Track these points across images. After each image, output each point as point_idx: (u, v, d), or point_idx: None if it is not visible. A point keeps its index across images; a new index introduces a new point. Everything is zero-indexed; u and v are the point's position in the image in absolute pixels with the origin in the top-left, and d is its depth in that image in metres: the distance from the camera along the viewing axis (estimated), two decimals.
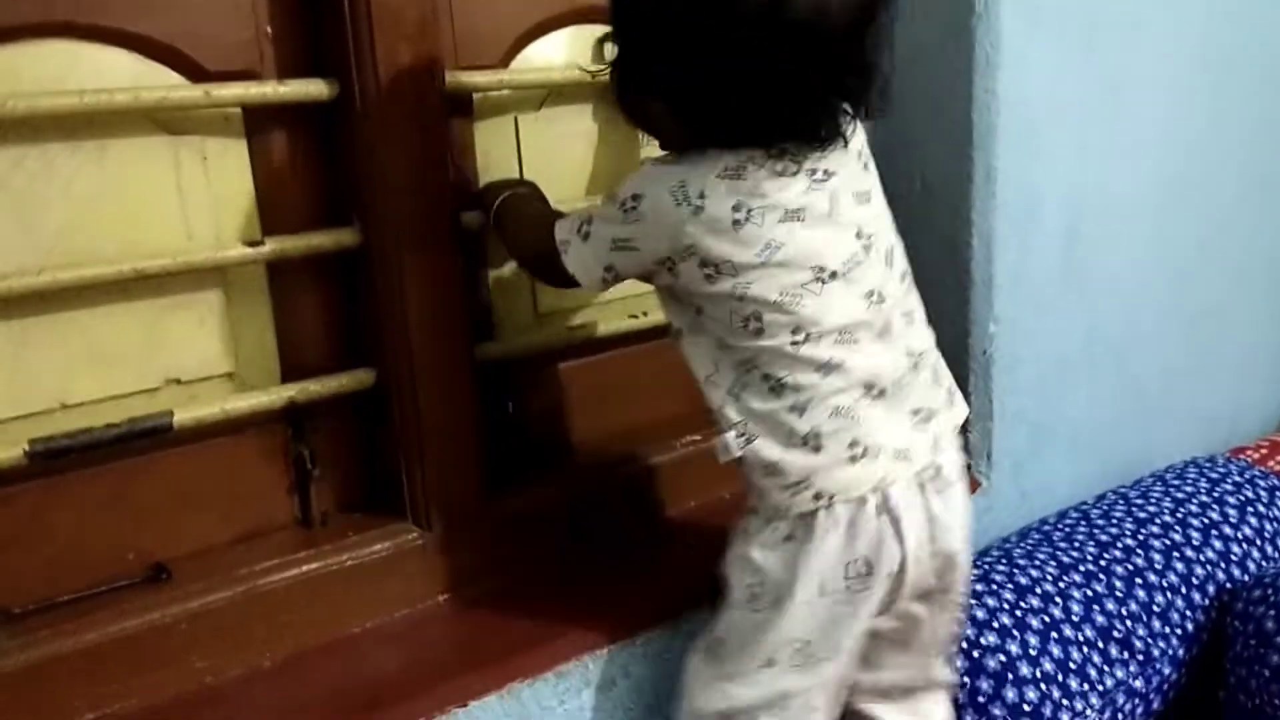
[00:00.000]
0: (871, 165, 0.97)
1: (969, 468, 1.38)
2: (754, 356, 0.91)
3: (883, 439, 0.92)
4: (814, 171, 0.89)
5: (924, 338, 0.99)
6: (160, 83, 0.95)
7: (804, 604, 0.93)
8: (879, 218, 0.96)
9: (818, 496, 0.91)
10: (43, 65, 0.90)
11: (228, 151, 0.99)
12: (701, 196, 0.86)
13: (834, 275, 0.90)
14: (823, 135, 0.88)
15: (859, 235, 0.92)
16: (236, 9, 0.97)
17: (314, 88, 1.00)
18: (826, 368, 0.91)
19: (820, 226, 0.89)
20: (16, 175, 0.90)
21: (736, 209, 0.86)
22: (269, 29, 0.99)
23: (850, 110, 0.90)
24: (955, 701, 1.13)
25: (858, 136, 0.95)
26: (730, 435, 0.94)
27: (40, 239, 0.91)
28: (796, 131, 0.87)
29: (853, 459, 0.91)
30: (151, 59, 0.95)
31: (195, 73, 0.96)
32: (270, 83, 0.98)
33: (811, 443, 0.91)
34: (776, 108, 0.85)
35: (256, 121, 1.00)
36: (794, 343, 0.90)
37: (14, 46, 0.89)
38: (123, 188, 0.94)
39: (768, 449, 0.92)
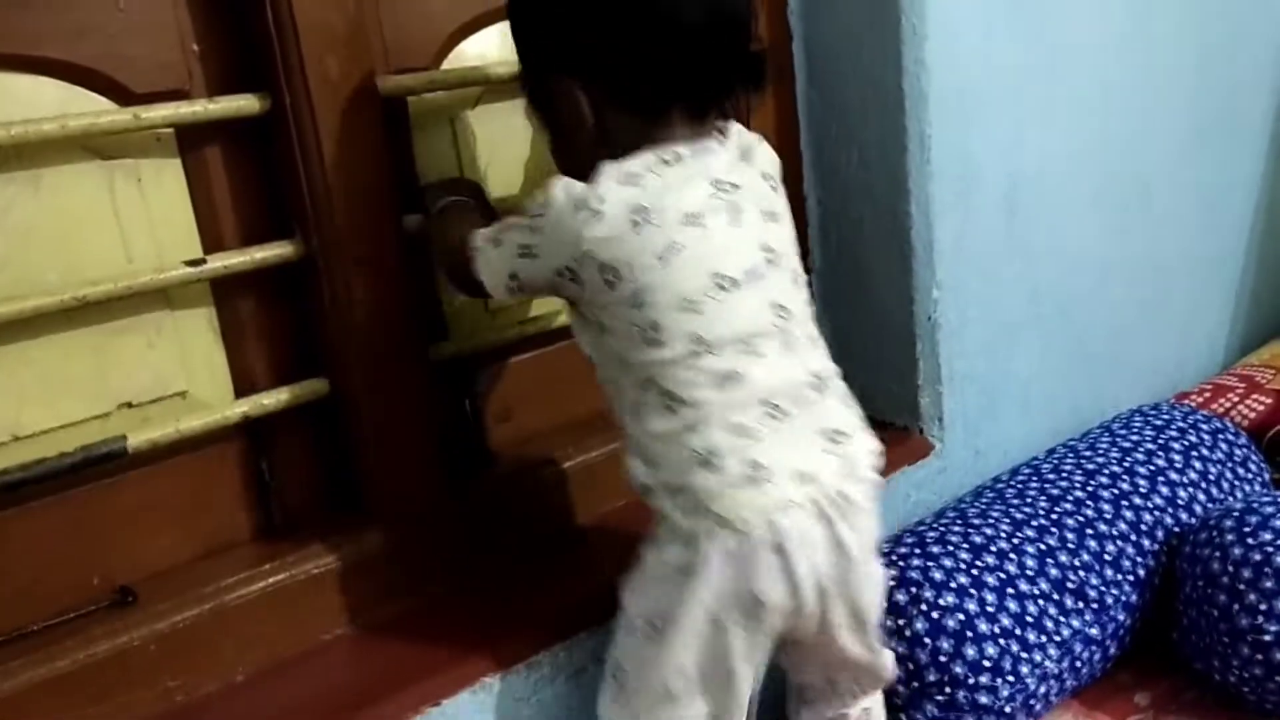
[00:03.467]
0: (781, 190, 0.99)
1: (920, 433, 1.42)
2: (653, 374, 0.90)
3: (783, 459, 0.89)
4: (718, 182, 0.91)
5: (828, 363, 0.98)
6: (87, 108, 0.94)
7: (693, 635, 0.90)
8: (787, 238, 0.97)
9: (719, 521, 0.88)
10: None
11: (163, 172, 0.99)
12: (601, 201, 0.87)
13: (735, 283, 0.90)
14: (717, 99, 0.93)
15: (765, 249, 0.93)
16: (160, 28, 0.97)
17: (245, 103, 0.99)
18: (726, 380, 0.89)
19: (722, 234, 0.90)
20: None
21: (636, 211, 0.87)
22: (195, 47, 0.99)
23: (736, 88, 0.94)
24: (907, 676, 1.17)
25: (765, 156, 0.98)
26: (636, 460, 0.93)
27: None
28: (702, 86, 0.91)
29: (751, 479, 0.88)
30: (76, 84, 0.94)
31: (123, 95, 0.96)
32: (200, 101, 0.98)
33: (711, 462, 0.88)
34: (684, 60, 0.89)
35: (190, 140, 1.00)
36: (693, 353, 0.88)
37: None
38: (59, 216, 0.94)
39: (669, 472, 0.90)
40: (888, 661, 1.06)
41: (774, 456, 0.89)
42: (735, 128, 0.96)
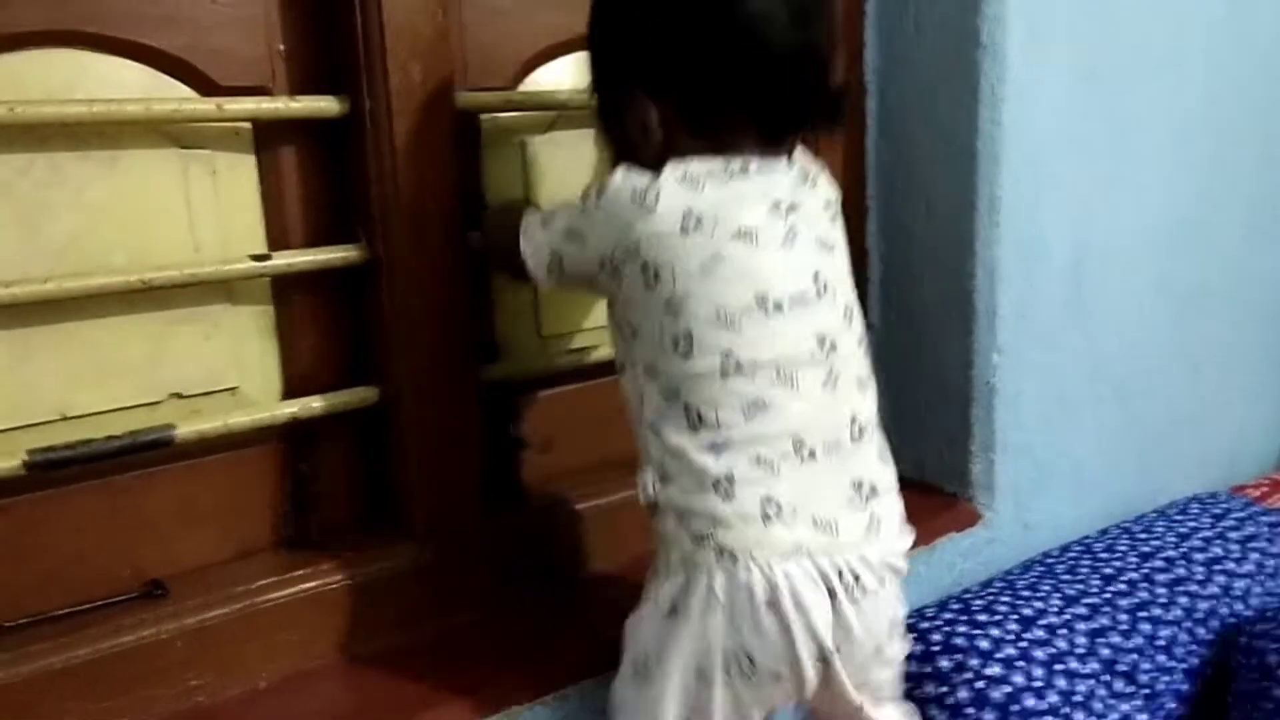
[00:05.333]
0: (840, 222, 0.96)
1: (970, 500, 1.38)
2: (680, 386, 0.86)
3: (803, 502, 0.85)
4: (778, 202, 0.89)
5: (871, 411, 0.93)
6: (170, 95, 0.95)
7: (678, 685, 0.86)
8: (841, 271, 0.94)
9: (721, 552, 0.84)
10: (51, 73, 0.90)
11: (237, 166, 0.99)
12: (656, 198, 0.86)
13: (778, 307, 0.87)
14: (791, 131, 0.92)
15: (815, 278, 0.90)
16: (250, 25, 0.97)
17: (325, 104, 1.00)
18: (755, 407, 0.85)
19: (772, 254, 0.88)
20: (23, 182, 0.89)
21: (687, 215, 0.86)
22: (282, 45, 0.99)
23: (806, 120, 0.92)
24: None
25: (827, 186, 0.96)
26: (648, 473, 0.89)
27: (47, 247, 0.90)
28: (779, 117, 0.90)
29: (766, 517, 0.84)
30: (163, 71, 0.95)
31: (207, 87, 0.96)
32: (282, 98, 0.98)
33: (723, 488, 0.84)
34: (758, 80, 0.88)
35: (266, 136, 1.00)
36: (724, 371, 0.85)
37: (21, 54, 0.89)
38: (132, 199, 0.94)
39: (680, 492, 0.87)
40: None
41: (793, 498, 0.85)
42: (800, 153, 0.95)
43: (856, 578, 0.86)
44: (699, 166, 0.88)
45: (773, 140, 0.92)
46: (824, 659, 0.86)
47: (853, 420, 0.90)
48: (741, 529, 0.84)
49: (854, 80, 1.34)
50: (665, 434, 0.87)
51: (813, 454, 0.87)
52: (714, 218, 0.86)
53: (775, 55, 0.88)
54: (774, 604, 0.84)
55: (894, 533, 0.91)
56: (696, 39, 0.87)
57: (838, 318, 0.91)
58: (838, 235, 0.95)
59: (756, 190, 0.89)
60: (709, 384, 0.86)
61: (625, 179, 0.88)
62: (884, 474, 0.93)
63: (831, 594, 0.85)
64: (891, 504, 0.92)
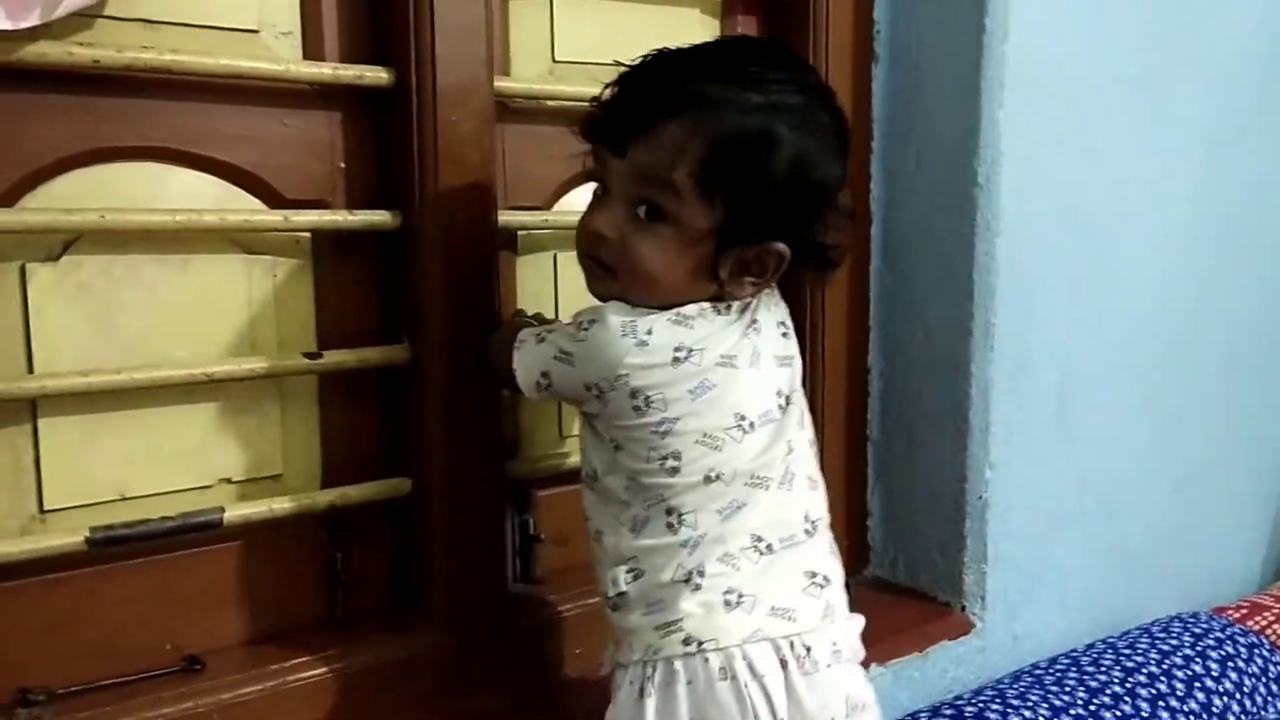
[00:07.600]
0: (793, 336, 1.03)
1: (962, 610, 1.44)
2: (664, 491, 0.93)
3: (761, 592, 0.92)
4: (750, 323, 0.97)
5: (823, 508, 1.00)
6: (239, 206, 1.04)
7: None
8: (797, 381, 1.02)
9: (686, 641, 0.90)
10: (134, 183, 0.99)
11: (296, 270, 1.08)
12: (649, 333, 0.92)
13: (752, 425, 0.94)
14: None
15: (778, 393, 0.98)
16: (315, 144, 1.07)
17: (379, 218, 1.09)
18: (729, 509, 0.93)
19: (745, 375, 0.95)
20: (103, 281, 0.98)
21: (679, 349, 0.92)
22: (342, 164, 1.09)
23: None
24: None
25: (781, 307, 1.03)
26: (620, 569, 0.95)
27: (120, 340, 0.98)
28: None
29: (728, 605, 0.91)
30: (234, 184, 1.04)
31: (272, 198, 1.06)
32: (341, 212, 1.08)
33: (692, 581, 0.91)
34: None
35: (324, 244, 1.09)
36: (706, 481, 0.92)
37: (110, 165, 0.98)
38: (199, 298, 1.02)
39: (651, 586, 0.93)
40: None
41: (754, 589, 0.92)
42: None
43: (808, 650, 0.92)
44: (690, 308, 0.94)
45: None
46: None
47: (806, 517, 0.98)
48: (705, 618, 0.91)
49: (860, 212, 1.44)
50: (643, 534, 0.94)
51: (770, 548, 0.94)
52: (702, 349, 0.93)
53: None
54: (731, 676, 0.89)
55: (845, 618, 0.98)
56: (835, 211, 0.97)
57: (794, 424, 1.00)
58: (793, 349, 1.03)
59: (735, 321, 0.96)
60: (691, 493, 0.93)
61: (618, 313, 0.93)
62: (834, 566, 0.99)
63: (784, 665, 0.91)
64: (841, 594, 0.99)
